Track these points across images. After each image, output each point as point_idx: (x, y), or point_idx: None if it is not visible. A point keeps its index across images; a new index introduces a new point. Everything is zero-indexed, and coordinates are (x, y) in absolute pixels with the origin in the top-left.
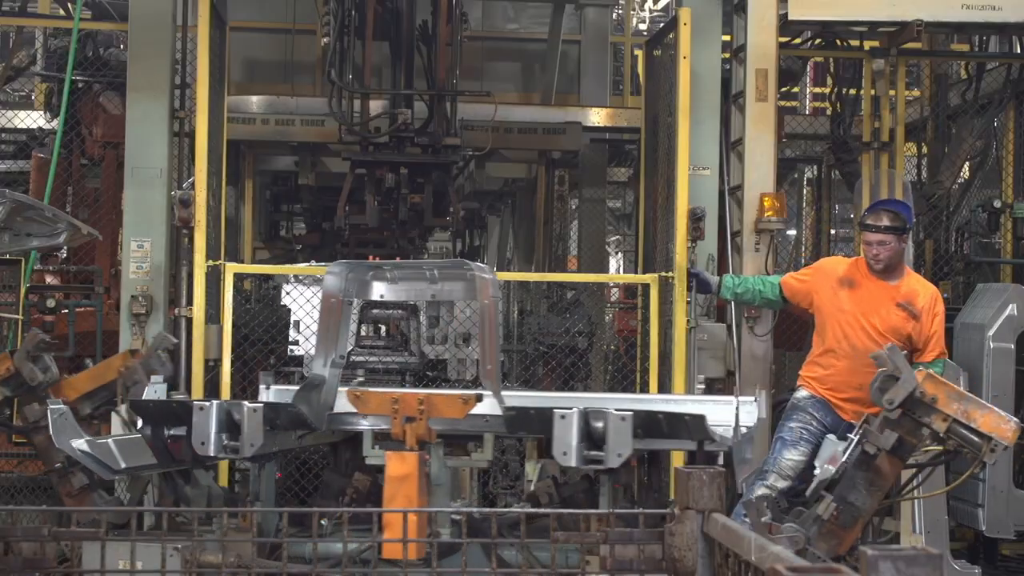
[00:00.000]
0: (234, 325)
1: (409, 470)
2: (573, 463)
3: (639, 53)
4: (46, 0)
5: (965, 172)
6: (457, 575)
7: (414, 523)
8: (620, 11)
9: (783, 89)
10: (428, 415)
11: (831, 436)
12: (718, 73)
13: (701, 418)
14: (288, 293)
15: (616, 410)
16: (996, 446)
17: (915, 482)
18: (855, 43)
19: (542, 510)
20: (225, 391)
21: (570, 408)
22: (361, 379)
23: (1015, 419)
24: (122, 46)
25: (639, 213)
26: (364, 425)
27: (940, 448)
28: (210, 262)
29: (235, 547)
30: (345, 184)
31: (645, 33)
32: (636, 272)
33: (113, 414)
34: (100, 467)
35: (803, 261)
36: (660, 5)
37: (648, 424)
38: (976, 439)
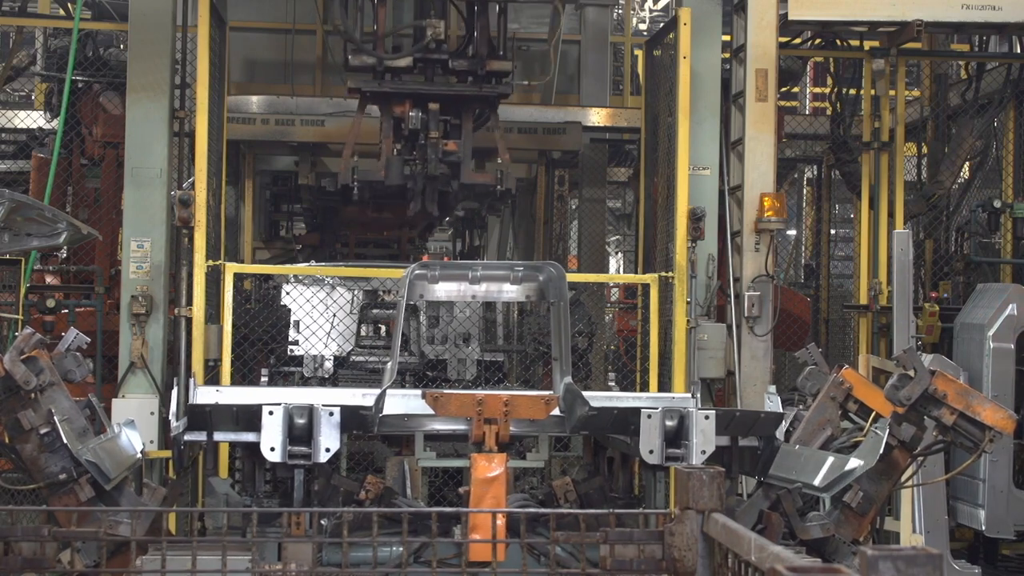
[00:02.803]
0: (234, 325)
1: (497, 471)
2: (658, 461)
3: (639, 53)
4: (46, 0)
5: (965, 172)
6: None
7: (502, 525)
8: (620, 11)
9: (783, 89)
10: (511, 416)
11: (876, 431)
12: (718, 73)
13: (776, 416)
14: (288, 293)
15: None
16: (995, 436)
17: (914, 479)
18: (855, 43)
19: (566, 510)
20: None
21: (655, 408)
22: None
23: (1012, 412)
24: (122, 46)
25: (639, 213)
26: (439, 427)
27: None
28: (210, 262)
29: (294, 554)
30: (352, 127)
31: (645, 33)
32: (636, 272)
33: (115, 405)
34: (100, 475)
35: (803, 261)
36: (660, 5)
37: (727, 422)
38: (977, 431)
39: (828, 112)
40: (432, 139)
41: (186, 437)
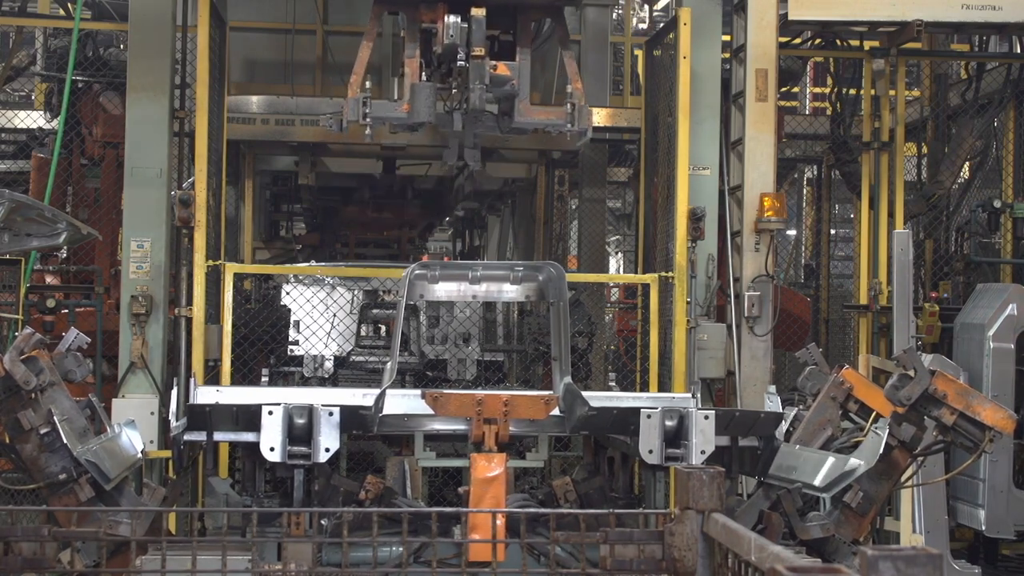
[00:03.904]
0: (234, 325)
1: (496, 471)
2: (658, 461)
3: (639, 53)
4: (46, 0)
5: (965, 172)
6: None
7: (502, 525)
8: (620, 11)
9: (783, 89)
10: (511, 416)
11: (876, 431)
12: (718, 73)
13: (776, 416)
14: (288, 293)
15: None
16: (995, 436)
17: (914, 479)
18: (855, 43)
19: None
20: None
21: (655, 408)
22: None
23: (1012, 412)
24: (122, 46)
25: (639, 213)
26: (439, 427)
27: None
28: (210, 262)
29: (294, 554)
30: (363, 48)
31: (645, 33)
32: (636, 272)
33: (115, 405)
34: (100, 475)
35: (803, 261)
36: (660, 5)
37: (727, 422)
38: (977, 431)
39: (828, 112)
40: (476, 58)
41: (186, 437)
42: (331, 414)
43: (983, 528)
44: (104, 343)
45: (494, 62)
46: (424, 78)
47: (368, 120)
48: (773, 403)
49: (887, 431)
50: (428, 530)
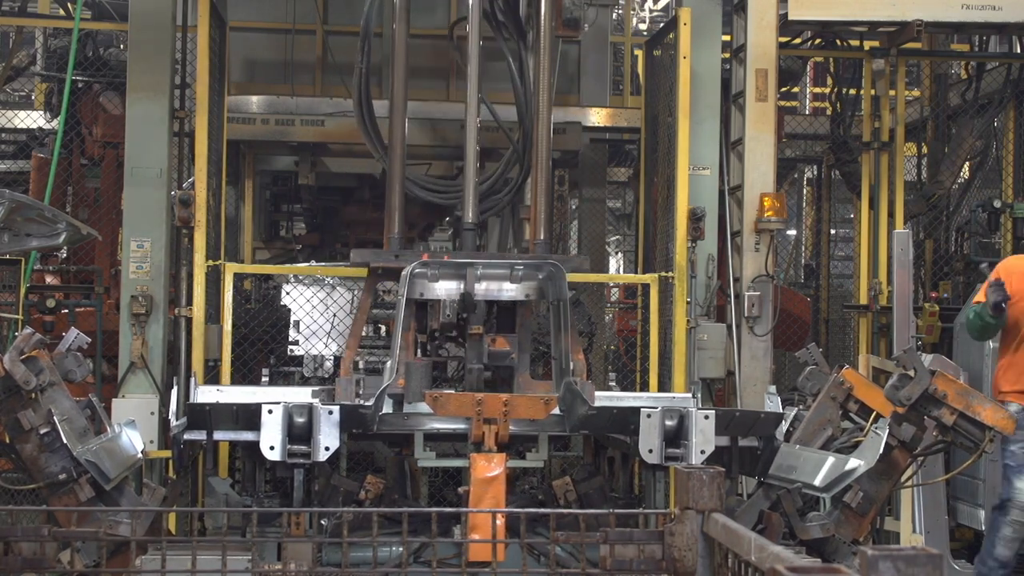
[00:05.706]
0: (234, 325)
1: (496, 471)
2: (657, 460)
3: (639, 53)
4: (46, 0)
5: (965, 172)
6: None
7: (502, 525)
8: (620, 11)
9: (783, 89)
10: (511, 416)
11: (876, 431)
12: (718, 73)
13: (776, 416)
14: (288, 293)
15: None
16: (995, 436)
17: (914, 479)
18: (855, 43)
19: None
20: None
21: (655, 407)
22: None
23: (1012, 412)
24: (122, 46)
25: (639, 213)
26: (439, 426)
27: None
28: (210, 262)
29: (294, 554)
30: (361, 304)
31: (645, 33)
32: (636, 272)
33: (115, 405)
34: (100, 475)
35: (803, 261)
36: (660, 5)
37: (727, 422)
38: (977, 431)
39: (828, 112)
40: (474, 336)
41: (186, 437)
42: (331, 413)
43: (983, 528)
44: (104, 343)
45: (492, 335)
46: (419, 352)
47: (360, 400)
48: (773, 403)
49: (887, 431)
50: (428, 530)
